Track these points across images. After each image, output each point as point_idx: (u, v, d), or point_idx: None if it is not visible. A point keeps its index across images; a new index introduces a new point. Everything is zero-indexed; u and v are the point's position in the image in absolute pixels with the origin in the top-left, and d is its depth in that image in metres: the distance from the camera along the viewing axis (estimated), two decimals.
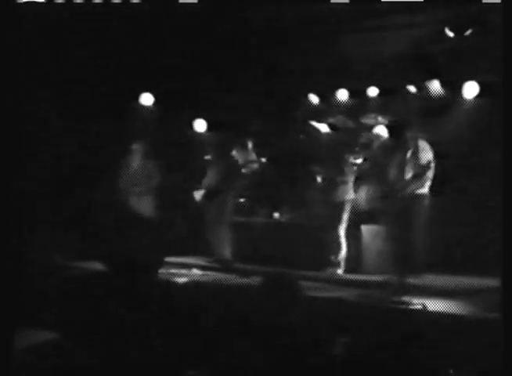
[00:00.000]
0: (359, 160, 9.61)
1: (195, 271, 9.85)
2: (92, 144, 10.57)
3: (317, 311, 6.39)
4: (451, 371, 4.30)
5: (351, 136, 10.30)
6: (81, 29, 9.20)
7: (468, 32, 8.61)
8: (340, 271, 9.17)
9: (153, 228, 9.75)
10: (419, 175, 8.42)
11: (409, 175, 8.49)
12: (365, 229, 9.38)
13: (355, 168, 9.54)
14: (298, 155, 10.73)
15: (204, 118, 11.65)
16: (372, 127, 9.99)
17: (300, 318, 5.93)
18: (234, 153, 10.73)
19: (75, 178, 10.67)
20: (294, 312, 6.01)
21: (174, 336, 5.35)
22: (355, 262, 9.21)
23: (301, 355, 4.85)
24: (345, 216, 9.27)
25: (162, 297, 6.84)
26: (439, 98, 9.64)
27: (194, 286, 8.41)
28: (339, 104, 10.83)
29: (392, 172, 8.78)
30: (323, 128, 10.73)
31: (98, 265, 8.28)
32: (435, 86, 9.73)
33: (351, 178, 9.42)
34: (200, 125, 11.70)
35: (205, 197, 10.31)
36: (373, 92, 10.39)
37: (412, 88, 9.94)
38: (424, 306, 6.80)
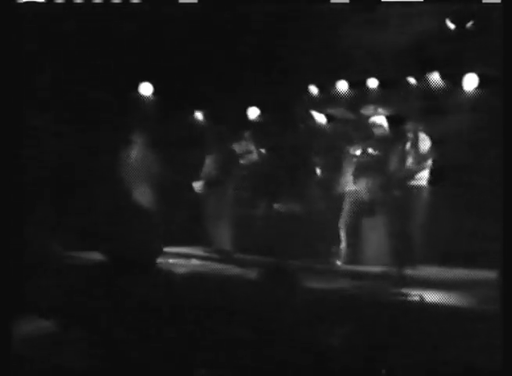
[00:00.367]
0: (359, 152, 9.59)
1: (194, 261, 9.86)
2: (91, 135, 10.55)
3: (316, 302, 6.42)
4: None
5: (350, 127, 10.29)
6: (80, 18, 9.17)
7: (469, 24, 8.59)
8: (339, 262, 9.18)
9: (151, 218, 9.79)
10: (418, 167, 8.44)
11: (408, 166, 8.52)
12: (365, 220, 9.38)
13: (355, 159, 9.54)
14: (297, 146, 10.71)
15: (202, 109, 11.63)
16: (371, 118, 9.97)
17: (298, 308, 5.96)
18: (233, 144, 10.74)
19: (74, 168, 10.66)
20: (293, 303, 6.03)
21: (173, 326, 5.37)
22: (354, 254, 9.22)
23: (300, 345, 4.87)
24: (344, 207, 9.28)
25: (161, 286, 6.87)
26: (439, 90, 9.62)
27: (192, 276, 8.42)
28: (339, 95, 10.82)
29: (392, 163, 8.80)
30: (323, 119, 10.72)
31: (97, 256, 8.31)
32: (435, 78, 9.71)
33: (350, 170, 9.41)
34: (197, 115, 11.70)
35: (204, 187, 10.31)
36: (372, 83, 10.38)
37: (412, 80, 9.93)
38: (422, 298, 6.81)
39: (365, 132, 9.87)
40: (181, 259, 9.83)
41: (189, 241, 10.79)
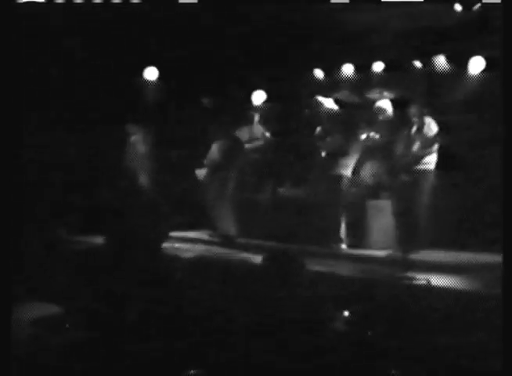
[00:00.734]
0: (364, 136, 9.57)
1: (198, 246, 9.86)
2: (97, 121, 10.55)
3: (320, 286, 6.42)
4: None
5: (355, 111, 10.25)
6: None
7: (477, 6, 8.52)
8: (343, 246, 9.17)
9: (156, 203, 9.81)
10: (425, 151, 8.43)
11: (415, 150, 8.50)
12: (370, 204, 9.36)
13: (360, 143, 9.51)
14: (302, 130, 10.68)
15: (209, 93, 11.60)
16: (376, 102, 9.95)
17: (302, 293, 5.96)
18: (239, 129, 10.72)
19: (80, 154, 10.68)
20: (297, 287, 6.03)
21: (176, 310, 5.37)
22: (358, 238, 9.21)
23: (305, 329, 4.87)
24: (349, 191, 9.27)
25: (165, 271, 6.88)
26: (445, 73, 9.58)
27: (197, 260, 8.43)
28: (344, 79, 10.78)
29: (398, 148, 8.78)
30: (328, 103, 10.67)
31: (102, 240, 8.32)
32: (441, 61, 9.67)
33: (355, 154, 9.39)
34: (203, 101, 11.66)
35: (208, 172, 10.30)
36: (378, 67, 10.33)
37: (417, 64, 9.88)
38: (428, 282, 6.80)
39: (371, 117, 9.86)
40: (186, 244, 9.84)
41: (193, 226, 10.80)
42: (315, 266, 7.48)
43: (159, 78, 11.38)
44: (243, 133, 10.78)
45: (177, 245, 9.56)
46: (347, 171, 9.31)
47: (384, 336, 4.86)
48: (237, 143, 10.39)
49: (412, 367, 4.27)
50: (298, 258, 6.98)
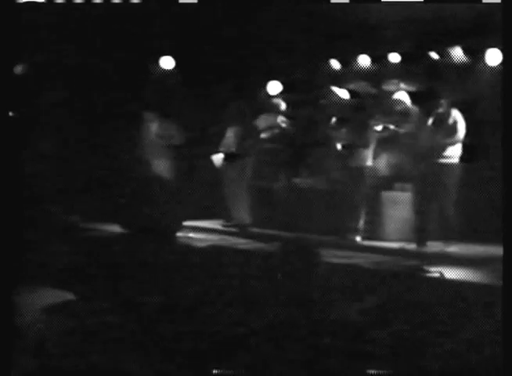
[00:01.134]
0: (380, 127, 9.53)
1: (213, 235, 9.88)
2: (111, 108, 10.57)
3: (334, 277, 6.41)
4: None
5: (372, 103, 10.21)
6: None
7: None
8: (358, 238, 9.16)
9: (171, 191, 9.81)
10: (445, 143, 8.39)
11: (439, 141, 8.45)
12: (385, 195, 9.33)
13: (376, 134, 9.48)
14: (319, 121, 10.65)
15: (224, 82, 11.58)
16: (393, 93, 9.91)
17: (317, 283, 5.95)
18: (256, 118, 10.71)
19: (95, 141, 10.70)
20: (311, 278, 6.02)
21: (191, 298, 5.37)
22: (373, 229, 9.18)
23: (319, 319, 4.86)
24: (365, 182, 9.24)
25: (180, 259, 6.88)
26: (462, 65, 9.52)
27: (211, 250, 8.44)
28: (360, 70, 10.73)
29: (420, 139, 8.72)
30: (344, 94, 10.65)
31: (117, 228, 8.34)
32: (458, 53, 9.61)
33: (371, 145, 9.37)
34: (219, 89, 11.65)
35: (223, 160, 10.31)
36: (394, 58, 10.27)
37: (434, 55, 9.83)
38: (442, 274, 6.79)
39: (387, 108, 9.82)
40: (200, 233, 9.86)
41: (208, 215, 10.81)
42: (329, 257, 7.48)
43: (175, 67, 11.38)
44: (259, 122, 10.77)
45: (191, 234, 9.59)
46: (363, 163, 9.29)
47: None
48: (253, 131, 10.39)
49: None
50: (313, 248, 6.98)
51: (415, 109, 9.52)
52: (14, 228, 4.39)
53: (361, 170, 9.26)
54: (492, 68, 9.28)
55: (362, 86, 10.51)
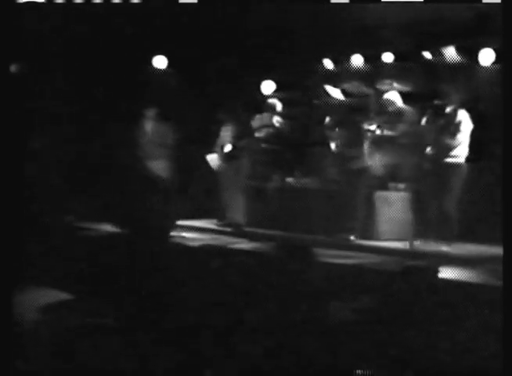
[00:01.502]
0: (373, 127, 9.54)
1: (207, 235, 9.87)
2: (106, 108, 10.56)
3: (330, 277, 6.41)
4: None
5: (365, 102, 10.23)
6: None
7: None
8: (353, 237, 9.16)
9: (165, 191, 9.80)
10: (454, 142, 8.38)
11: (443, 141, 8.45)
12: (378, 195, 9.33)
13: (370, 134, 9.48)
14: (312, 121, 10.67)
15: (220, 81, 11.58)
16: (386, 93, 9.91)
17: (312, 283, 5.94)
18: (250, 118, 10.71)
19: (90, 141, 10.69)
20: (307, 278, 6.01)
21: (185, 298, 5.37)
22: (368, 229, 9.19)
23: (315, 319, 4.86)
24: (359, 182, 9.25)
25: (173, 259, 6.87)
26: (455, 64, 9.53)
27: (205, 249, 8.42)
28: (354, 70, 10.73)
29: (422, 138, 8.72)
30: (337, 93, 10.65)
31: (110, 227, 8.32)
32: (451, 53, 9.63)
33: (365, 145, 9.37)
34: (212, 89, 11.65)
35: (218, 160, 10.31)
36: (388, 57, 10.28)
37: (427, 55, 9.84)
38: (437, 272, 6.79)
39: (380, 108, 9.83)
40: (194, 233, 9.86)
41: (202, 215, 10.80)
42: (324, 257, 7.48)
43: (168, 66, 11.38)
44: (253, 121, 10.77)
45: (184, 234, 9.58)
46: (357, 162, 9.29)
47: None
48: (247, 130, 10.40)
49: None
50: (307, 248, 6.97)
51: (408, 108, 9.53)
52: (14, 228, 4.38)
53: (355, 170, 9.26)
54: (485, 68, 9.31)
55: (356, 86, 10.53)
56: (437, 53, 9.72)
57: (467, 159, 8.52)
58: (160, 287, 5.80)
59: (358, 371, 4.12)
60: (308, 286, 5.83)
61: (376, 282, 6.30)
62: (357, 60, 10.65)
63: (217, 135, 10.48)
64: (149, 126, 10.46)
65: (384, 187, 9.37)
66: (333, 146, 9.61)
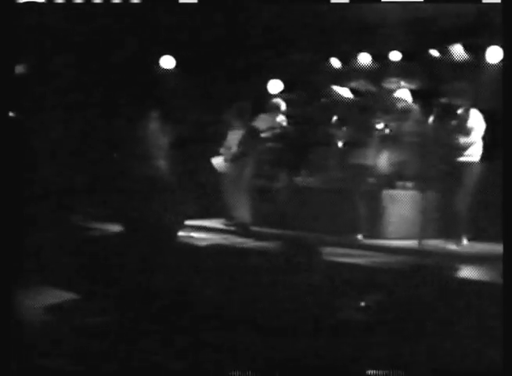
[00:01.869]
0: (381, 125, 9.52)
1: (214, 235, 9.87)
2: (111, 108, 10.57)
3: (335, 276, 6.40)
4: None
5: (372, 101, 10.21)
6: None
7: None
8: (360, 236, 9.14)
9: (172, 192, 9.79)
10: (465, 141, 8.36)
11: (455, 140, 8.42)
12: (387, 194, 9.32)
13: (377, 132, 9.46)
14: (319, 119, 10.65)
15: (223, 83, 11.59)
16: (394, 92, 9.89)
17: (318, 282, 5.93)
18: (257, 118, 10.69)
19: (94, 141, 10.71)
20: (312, 276, 6.00)
21: (193, 297, 5.37)
22: (375, 228, 9.17)
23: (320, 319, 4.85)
24: (366, 181, 9.23)
25: (181, 259, 6.87)
26: (463, 62, 9.50)
27: (213, 249, 8.43)
28: (361, 68, 10.71)
29: (436, 137, 8.69)
30: (345, 92, 10.63)
31: (118, 227, 8.32)
32: (458, 50, 9.60)
33: (373, 143, 9.35)
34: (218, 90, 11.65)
35: (225, 160, 10.30)
36: (395, 56, 10.26)
37: (435, 53, 9.81)
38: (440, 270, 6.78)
39: (388, 106, 9.80)
40: (202, 233, 9.85)
41: (209, 215, 10.80)
42: (330, 256, 7.47)
43: (176, 66, 11.38)
44: (260, 122, 10.75)
45: (192, 234, 9.58)
46: (364, 161, 9.27)
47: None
48: (254, 131, 10.38)
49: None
50: (314, 247, 6.97)
51: (416, 107, 9.51)
52: (14, 228, 4.38)
53: (362, 169, 9.25)
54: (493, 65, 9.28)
55: (363, 85, 10.51)
56: (444, 51, 9.70)
57: (481, 158, 8.49)
58: (169, 286, 5.80)
59: (370, 371, 4.11)
60: (316, 285, 5.82)
61: (384, 281, 6.29)
62: (364, 59, 10.64)
63: (224, 135, 10.47)
64: (156, 126, 10.46)
65: (392, 186, 9.35)
66: (340, 145, 9.60)
